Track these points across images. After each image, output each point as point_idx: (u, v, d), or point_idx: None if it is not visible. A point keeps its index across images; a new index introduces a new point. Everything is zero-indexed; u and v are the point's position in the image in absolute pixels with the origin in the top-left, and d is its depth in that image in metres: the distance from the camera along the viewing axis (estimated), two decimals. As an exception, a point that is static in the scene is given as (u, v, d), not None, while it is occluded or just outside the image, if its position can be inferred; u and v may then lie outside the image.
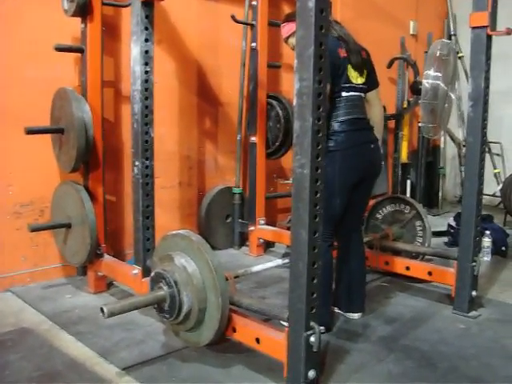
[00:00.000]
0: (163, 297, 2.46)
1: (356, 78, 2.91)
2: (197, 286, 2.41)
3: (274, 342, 2.28)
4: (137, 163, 2.97)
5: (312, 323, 2.09)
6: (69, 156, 3.21)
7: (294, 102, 2.00)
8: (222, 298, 2.37)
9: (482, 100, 3.01)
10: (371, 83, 3.05)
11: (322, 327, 2.17)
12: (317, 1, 1.90)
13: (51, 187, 3.43)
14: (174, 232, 2.62)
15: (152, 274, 2.58)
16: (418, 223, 3.94)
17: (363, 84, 2.97)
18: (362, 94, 2.99)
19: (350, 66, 2.87)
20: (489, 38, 2.98)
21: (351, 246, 3.08)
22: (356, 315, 3.08)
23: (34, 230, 3.28)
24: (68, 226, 3.31)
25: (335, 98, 2.85)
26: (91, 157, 3.28)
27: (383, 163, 3.21)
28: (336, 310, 3.12)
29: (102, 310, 2.30)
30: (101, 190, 3.38)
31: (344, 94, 2.86)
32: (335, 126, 2.84)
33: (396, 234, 3.91)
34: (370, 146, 2.96)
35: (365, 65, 2.99)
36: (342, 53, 2.84)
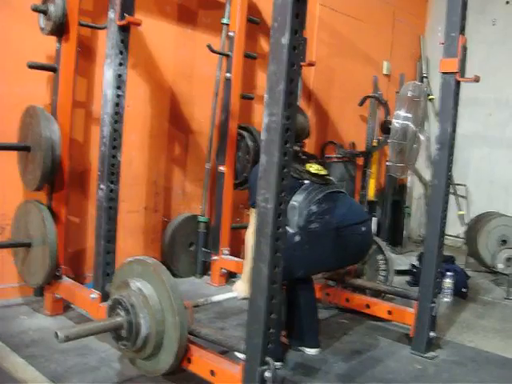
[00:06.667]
0: (120, 323, 2.41)
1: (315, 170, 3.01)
2: (154, 308, 2.37)
3: (229, 376, 2.25)
4: (102, 186, 2.94)
5: (267, 358, 2.07)
6: (34, 175, 3.16)
7: (262, 137, 2.01)
8: (179, 317, 2.33)
9: (448, 144, 3.06)
10: None
11: (277, 363, 2.16)
12: (290, 38, 1.92)
13: (14, 205, 3.37)
14: (129, 259, 2.60)
15: (109, 302, 2.54)
16: (379, 257, 3.94)
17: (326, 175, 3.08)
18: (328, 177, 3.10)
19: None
20: (457, 83, 3.04)
21: (301, 281, 3.07)
22: (313, 351, 3.06)
23: (-7, 247, 3.23)
24: (28, 245, 3.25)
25: (301, 190, 2.92)
26: (57, 177, 3.24)
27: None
28: (289, 343, 3.10)
29: (56, 334, 2.23)
30: (64, 211, 3.33)
31: (306, 181, 2.93)
32: (314, 208, 2.86)
33: (358, 271, 3.91)
34: (360, 229, 2.98)
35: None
36: None
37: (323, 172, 3.07)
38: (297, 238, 2.83)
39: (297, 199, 2.87)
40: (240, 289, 3.02)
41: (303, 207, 2.86)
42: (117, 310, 2.45)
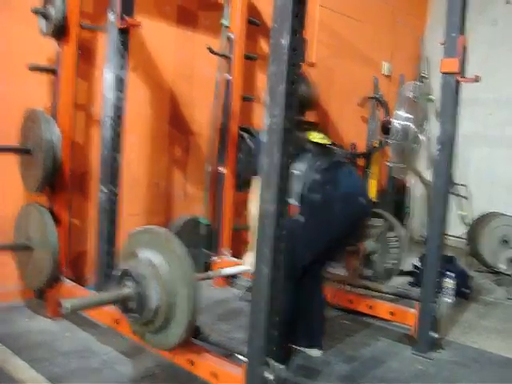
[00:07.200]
0: (129, 294, 2.30)
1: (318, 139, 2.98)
2: (164, 278, 2.26)
3: (231, 378, 2.24)
4: (103, 189, 2.95)
5: (270, 360, 2.07)
6: (35, 177, 3.16)
7: (263, 138, 2.01)
8: (191, 288, 2.23)
9: (449, 144, 3.06)
10: None
11: (279, 365, 2.15)
12: (290, 39, 1.92)
13: (15, 207, 3.36)
14: (138, 229, 2.48)
15: (116, 273, 2.42)
16: (391, 234, 3.90)
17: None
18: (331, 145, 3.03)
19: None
20: (458, 83, 3.04)
21: (312, 282, 3.07)
22: (316, 352, 3.06)
23: (-6, 250, 3.22)
24: (29, 248, 3.24)
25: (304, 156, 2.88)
26: (58, 179, 3.23)
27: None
28: (294, 346, 3.09)
29: (62, 304, 2.14)
30: (65, 214, 3.33)
31: (309, 150, 2.90)
32: (316, 176, 2.83)
33: (370, 249, 3.88)
34: (359, 201, 2.95)
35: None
36: None
37: (326, 141, 3.04)
38: (301, 219, 2.82)
39: (300, 168, 2.83)
40: (250, 261, 2.97)
41: (306, 176, 2.84)
42: (125, 281, 2.34)
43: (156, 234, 2.38)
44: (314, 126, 3.11)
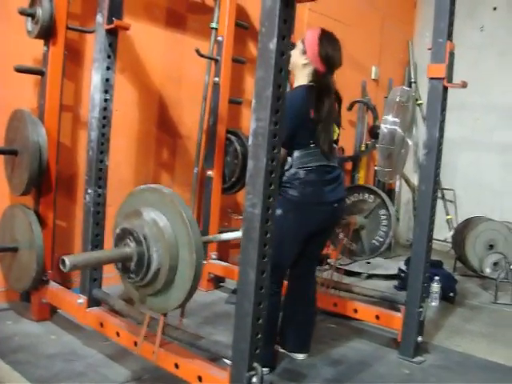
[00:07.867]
0: (130, 253, 2.23)
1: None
2: (168, 241, 2.18)
3: (216, 381, 2.24)
4: (89, 191, 2.94)
5: (255, 364, 2.07)
6: (20, 179, 3.14)
7: (250, 142, 2.01)
8: (196, 254, 2.15)
9: (435, 149, 3.07)
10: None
11: (265, 368, 2.15)
12: (278, 43, 1.92)
13: (0, 209, 3.35)
14: (142, 186, 2.41)
15: (117, 230, 2.33)
16: (381, 212, 3.90)
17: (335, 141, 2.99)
18: (334, 145, 2.98)
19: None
20: (445, 89, 3.05)
21: (303, 287, 3.07)
22: (301, 356, 3.06)
23: (-22, 252, 3.20)
24: (14, 250, 3.22)
25: (302, 148, 2.83)
26: (44, 181, 3.22)
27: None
28: (281, 349, 3.09)
29: (63, 261, 2.08)
30: (51, 215, 3.31)
31: (312, 145, 2.84)
32: (301, 173, 2.80)
33: (360, 224, 3.87)
34: (332, 206, 2.91)
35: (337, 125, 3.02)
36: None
37: (334, 134, 2.99)
38: (278, 212, 2.78)
39: (293, 155, 2.82)
40: None
41: (294, 163, 2.81)
42: (126, 241, 2.26)
43: (163, 195, 2.29)
44: (338, 98, 3.19)
